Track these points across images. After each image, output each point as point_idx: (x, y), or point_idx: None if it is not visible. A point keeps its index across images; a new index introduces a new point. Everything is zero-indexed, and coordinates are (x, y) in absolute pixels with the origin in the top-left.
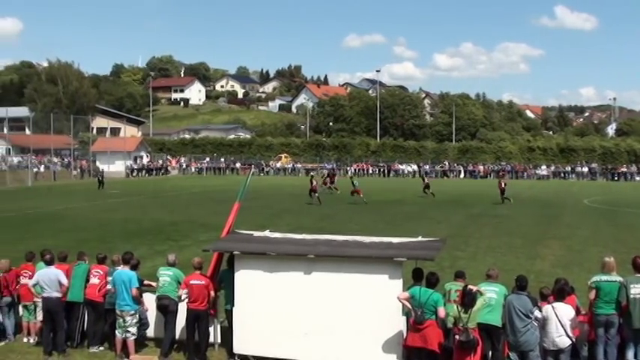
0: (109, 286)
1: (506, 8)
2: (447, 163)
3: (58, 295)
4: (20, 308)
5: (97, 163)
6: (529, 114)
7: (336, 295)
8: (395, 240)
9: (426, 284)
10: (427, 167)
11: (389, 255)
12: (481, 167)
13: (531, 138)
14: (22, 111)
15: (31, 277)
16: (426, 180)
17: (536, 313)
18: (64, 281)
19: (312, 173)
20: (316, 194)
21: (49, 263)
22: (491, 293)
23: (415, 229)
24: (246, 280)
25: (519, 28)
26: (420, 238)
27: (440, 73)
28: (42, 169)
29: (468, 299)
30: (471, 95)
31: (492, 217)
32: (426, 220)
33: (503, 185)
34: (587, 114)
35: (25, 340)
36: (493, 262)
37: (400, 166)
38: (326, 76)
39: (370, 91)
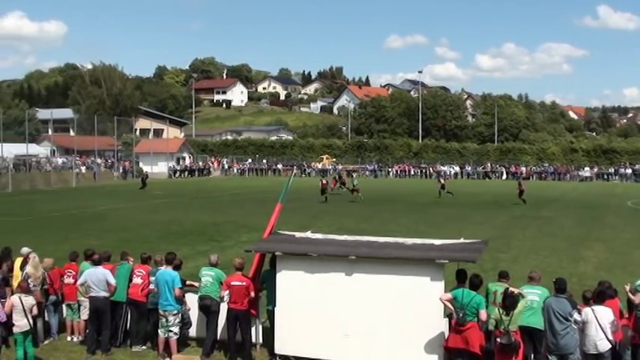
0: (151, 286)
1: (548, 8)
2: (488, 165)
3: (105, 294)
4: (64, 307)
5: (140, 164)
6: (572, 115)
7: (377, 296)
8: (437, 242)
9: (470, 286)
10: (444, 168)
11: (431, 257)
12: (523, 169)
13: (574, 139)
14: (66, 112)
15: (74, 277)
16: (442, 181)
17: (576, 316)
18: (112, 281)
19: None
20: (325, 194)
21: (97, 263)
22: (534, 296)
23: (457, 230)
24: (288, 281)
25: (562, 28)
26: (462, 240)
27: (482, 73)
28: (83, 169)
29: (509, 302)
30: (513, 96)
31: (535, 218)
32: (467, 222)
33: (522, 187)
34: (630, 115)
35: (68, 338)
36: (535, 265)
37: (442, 168)
38: (367, 77)
39: (412, 92)
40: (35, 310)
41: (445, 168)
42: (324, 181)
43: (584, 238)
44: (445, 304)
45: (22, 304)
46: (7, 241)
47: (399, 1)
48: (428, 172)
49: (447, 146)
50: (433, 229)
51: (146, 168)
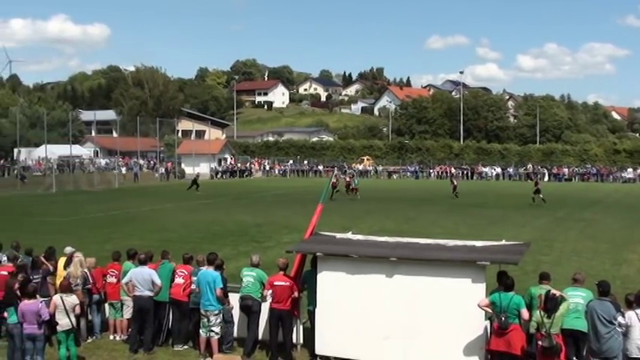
0: (193, 286)
1: (591, 8)
2: (530, 166)
3: (150, 294)
4: (107, 306)
5: (182, 165)
6: (615, 115)
7: (418, 298)
8: (478, 243)
9: (504, 288)
10: (486, 169)
11: (472, 259)
12: (565, 170)
13: (617, 140)
14: (109, 114)
15: (117, 277)
16: (455, 182)
17: (620, 319)
18: (158, 281)
19: (335, 172)
20: (335, 190)
21: (142, 263)
22: (578, 298)
23: (498, 232)
24: (329, 282)
25: (605, 27)
26: (503, 242)
27: (524, 74)
28: (124, 170)
29: (550, 304)
30: (555, 97)
31: (577, 220)
32: (509, 224)
33: (539, 185)
34: None
35: (111, 337)
36: (578, 267)
37: (483, 169)
38: (408, 78)
39: (453, 93)
40: (78, 310)
41: (487, 169)
42: (334, 180)
43: (627, 241)
44: (484, 310)
45: (63, 303)
46: (52, 240)
47: (440, 1)
48: (468, 173)
49: (489, 147)
50: (474, 231)
51: (188, 169)
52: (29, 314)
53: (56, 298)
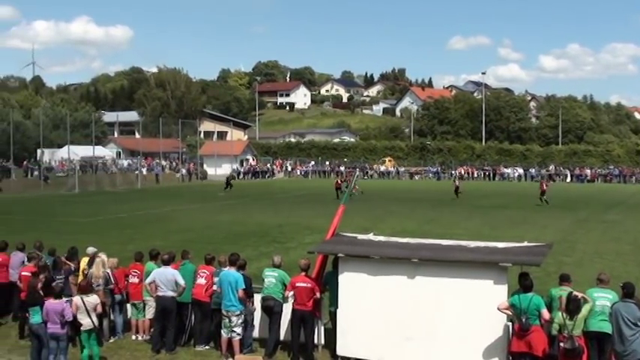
0: (215, 287)
1: (613, 8)
2: (553, 167)
3: (173, 294)
4: (129, 306)
5: (204, 166)
6: (637, 116)
7: (440, 299)
8: (500, 245)
9: (523, 289)
10: (508, 170)
11: (494, 260)
12: (588, 171)
13: None
14: (131, 115)
15: (139, 277)
16: (457, 183)
17: None
18: (182, 282)
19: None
20: (340, 190)
21: (166, 263)
22: (605, 301)
23: (520, 233)
24: (350, 283)
25: (627, 28)
26: (525, 243)
27: (546, 74)
28: (144, 171)
29: (573, 306)
30: (577, 97)
31: (600, 222)
32: (531, 225)
33: (544, 187)
34: None
35: (133, 337)
36: (600, 269)
37: (506, 170)
38: (430, 78)
39: (475, 94)
40: (99, 309)
41: (509, 170)
42: (339, 181)
43: None
44: (504, 313)
45: (84, 303)
46: (74, 241)
47: (461, 1)
48: (491, 174)
49: (511, 148)
50: (496, 232)
51: (210, 170)
52: (53, 314)
53: (76, 299)
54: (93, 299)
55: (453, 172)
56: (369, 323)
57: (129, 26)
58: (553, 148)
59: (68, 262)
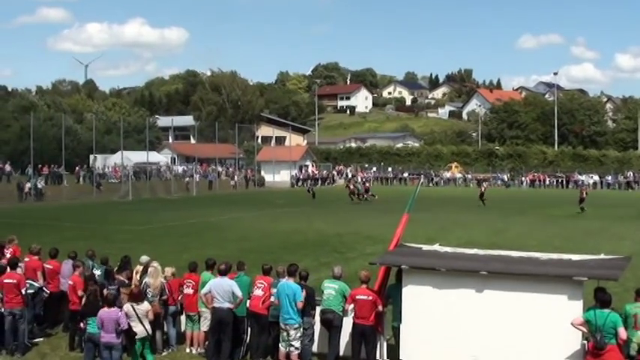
0: (272, 299)
1: None
2: (631, 174)
3: (230, 306)
4: (183, 318)
5: (262, 173)
6: None
7: (510, 315)
8: (574, 257)
9: (600, 304)
10: (582, 177)
11: (568, 274)
12: None
13: None
14: (187, 120)
15: (194, 287)
16: (483, 189)
17: None
18: (239, 293)
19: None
20: (354, 195)
21: (223, 273)
22: None
23: (596, 245)
24: (414, 297)
25: None
26: (601, 256)
27: (623, 74)
28: (197, 178)
29: None
30: None
31: None
32: (608, 236)
33: (584, 195)
34: None
35: (187, 350)
36: None
37: (580, 177)
38: (499, 79)
39: (547, 96)
40: (151, 315)
41: (583, 177)
42: (352, 186)
43: None
44: (579, 329)
45: (135, 311)
46: (127, 249)
47: None
48: (565, 182)
49: (585, 154)
50: (570, 243)
51: (268, 176)
52: (108, 322)
53: (127, 307)
54: (144, 307)
55: (523, 179)
56: (434, 339)
57: (184, 28)
58: (631, 154)
59: (120, 277)
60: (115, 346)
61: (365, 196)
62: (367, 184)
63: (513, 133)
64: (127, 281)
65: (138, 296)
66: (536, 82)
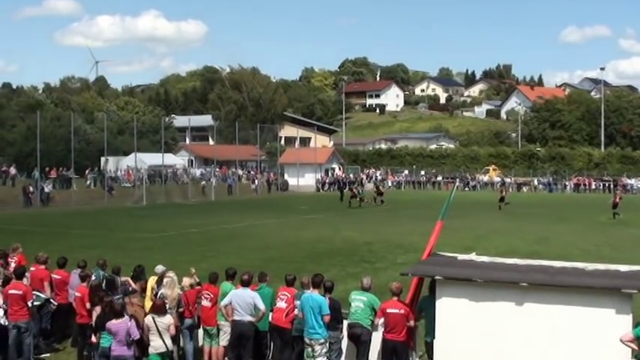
0: (296, 311)
1: None
2: None
3: (251, 319)
4: (201, 332)
5: (285, 176)
6: None
7: (552, 330)
8: (623, 268)
9: None
10: (631, 181)
11: (616, 285)
12: None
13: None
14: (205, 120)
15: (212, 300)
16: (504, 193)
17: None
18: (262, 306)
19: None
20: (357, 199)
21: (245, 284)
22: None
23: None
24: (449, 310)
25: None
26: None
27: None
28: (213, 181)
29: None
30: None
31: None
32: None
33: (617, 199)
34: None
35: None
36: None
37: (629, 181)
38: (540, 76)
39: (593, 93)
40: (173, 330)
41: (632, 181)
42: (354, 190)
43: None
44: (629, 347)
45: (155, 324)
46: (141, 258)
47: None
48: (611, 185)
49: (635, 155)
50: (619, 253)
51: (292, 180)
52: (119, 334)
53: (148, 320)
54: (166, 320)
55: (567, 183)
56: (469, 355)
57: (203, 21)
58: None
59: (130, 282)
60: (128, 359)
61: (374, 201)
62: (381, 188)
63: (556, 133)
64: (130, 288)
65: (160, 308)
66: (581, 79)
